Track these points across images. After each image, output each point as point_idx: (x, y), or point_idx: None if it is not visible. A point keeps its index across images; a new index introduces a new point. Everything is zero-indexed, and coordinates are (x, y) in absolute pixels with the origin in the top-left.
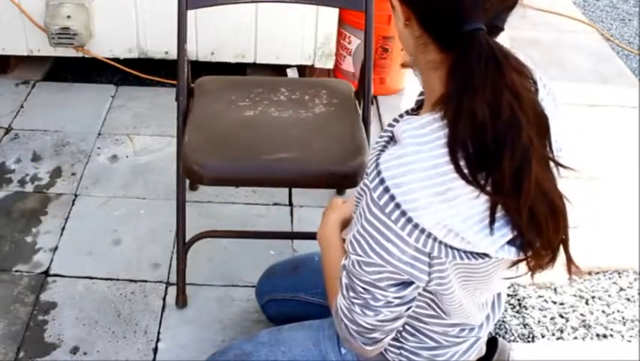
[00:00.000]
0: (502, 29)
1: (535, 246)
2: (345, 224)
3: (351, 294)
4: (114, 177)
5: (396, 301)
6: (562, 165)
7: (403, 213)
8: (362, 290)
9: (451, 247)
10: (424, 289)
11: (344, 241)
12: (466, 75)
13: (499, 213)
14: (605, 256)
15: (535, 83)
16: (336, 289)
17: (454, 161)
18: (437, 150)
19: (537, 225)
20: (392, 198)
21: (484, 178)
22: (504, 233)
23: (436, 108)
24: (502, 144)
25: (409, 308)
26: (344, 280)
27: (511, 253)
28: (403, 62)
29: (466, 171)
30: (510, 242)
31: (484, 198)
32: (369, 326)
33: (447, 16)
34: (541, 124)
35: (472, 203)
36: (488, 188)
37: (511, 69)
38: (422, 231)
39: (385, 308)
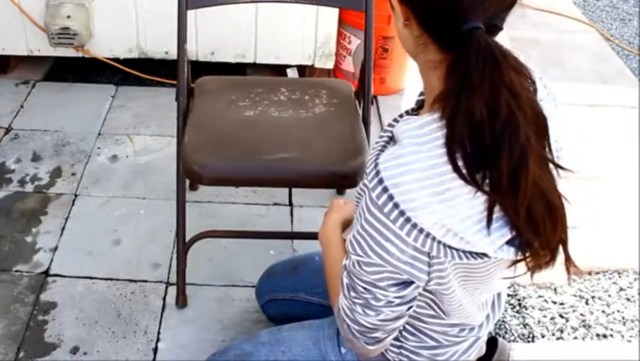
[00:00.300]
0: (501, 28)
1: (534, 246)
2: (347, 225)
3: (353, 294)
4: (114, 177)
5: (397, 301)
6: (560, 166)
7: (402, 213)
8: (363, 290)
9: (450, 247)
10: (424, 289)
11: (345, 241)
12: (464, 74)
13: (498, 214)
14: (605, 256)
15: (534, 82)
16: (338, 289)
17: (452, 160)
18: (436, 150)
19: (534, 224)
20: (390, 198)
21: (482, 178)
22: (503, 233)
23: (434, 106)
24: (500, 143)
25: (410, 308)
26: (345, 280)
27: (510, 253)
28: None
29: (464, 170)
30: (509, 242)
31: (482, 198)
32: (371, 326)
33: (446, 16)
34: (539, 123)
35: (471, 203)
36: (486, 187)
37: (510, 68)
38: (421, 231)
39: (386, 308)
